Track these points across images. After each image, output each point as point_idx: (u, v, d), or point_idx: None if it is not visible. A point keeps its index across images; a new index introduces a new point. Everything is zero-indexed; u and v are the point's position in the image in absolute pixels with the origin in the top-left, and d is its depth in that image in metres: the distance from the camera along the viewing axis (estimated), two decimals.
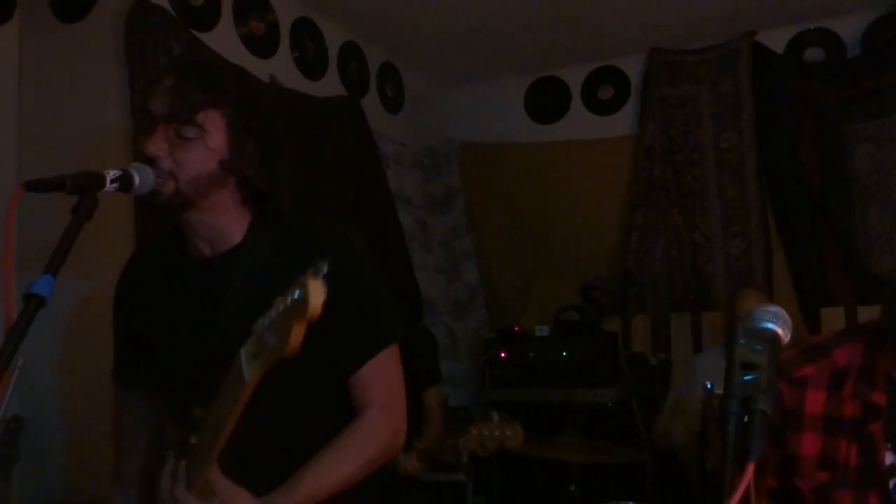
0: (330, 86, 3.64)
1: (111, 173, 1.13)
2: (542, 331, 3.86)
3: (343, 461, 1.26)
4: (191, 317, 1.31)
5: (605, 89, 4.34)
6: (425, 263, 4.21)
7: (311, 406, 1.33)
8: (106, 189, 1.12)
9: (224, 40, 3.00)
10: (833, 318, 3.67)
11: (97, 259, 2.03)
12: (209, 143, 1.23)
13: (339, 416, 1.31)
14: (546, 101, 4.47)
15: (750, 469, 0.70)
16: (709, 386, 2.17)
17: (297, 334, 0.94)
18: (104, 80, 2.61)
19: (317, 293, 0.91)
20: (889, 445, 1.33)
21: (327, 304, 1.18)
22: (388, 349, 1.33)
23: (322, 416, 1.33)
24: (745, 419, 0.76)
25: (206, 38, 2.88)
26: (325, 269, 0.94)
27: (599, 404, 3.57)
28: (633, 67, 4.25)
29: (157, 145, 1.21)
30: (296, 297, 0.92)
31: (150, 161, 1.20)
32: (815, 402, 1.35)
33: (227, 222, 1.30)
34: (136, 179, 1.16)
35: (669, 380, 3.79)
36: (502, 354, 3.83)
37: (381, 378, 1.33)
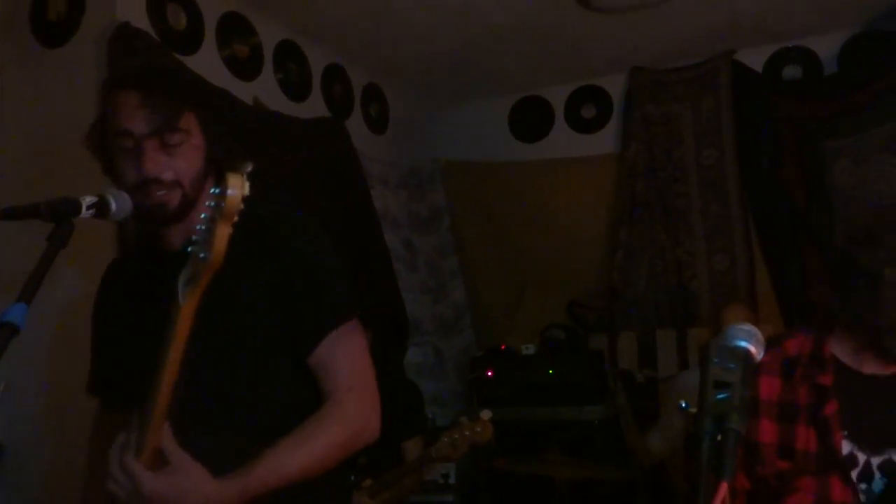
0: (314, 107, 3.65)
1: (87, 199, 1.13)
2: (529, 349, 3.86)
3: (304, 443, 1.22)
4: (155, 314, 1.28)
5: (587, 108, 4.39)
6: (411, 283, 4.21)
7: (272, 395, 1.30)
8: (82, 215, 1.12)
9: (207, 63, 3.01)
10: None
11: (78, 283, 2.01)
12: (193, 142, 1.27)
13: (304, 408, 1.27)
14: (530, 120, 4.51)
15: (723, 489, 0.70)
16: (683, 405, 2.18)
17: (223, 235, 0.96)
18: (87, 104, 2.61)
19: (235, 184, 0.94)
20: (845, 433, 1.36)
21: (282, 284, 1.28)
22: (347, 326, 1.31)
23: (284, 406, 1.29)
24: (719, 438, 0.76)
25: (189, 61, 2.89)
26: (248, 168, 0.96)
27: (586, 422, 3.56)
28: (615, 86, 4.29)
29: (154, 162, 1.23)
30: (215, 192, 0.95)
31: (155, 180, 1.23)
32: (769, 388, 1.40)
33: (197, 213, 1.29)
34: (113, 206, 1.16)
35: (657, 396, 3.79)
36: (489, 373, 3.82)
37: (344, 358, 1.29)
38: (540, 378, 3.71)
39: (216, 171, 1.32)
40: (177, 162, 1.25)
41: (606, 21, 3.63)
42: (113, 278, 1.47)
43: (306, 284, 1.30)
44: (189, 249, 1.00)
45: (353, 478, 2.57)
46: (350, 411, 1.27)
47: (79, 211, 1.11)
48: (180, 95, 1.27)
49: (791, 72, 3.95)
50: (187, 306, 1.02)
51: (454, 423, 2.54)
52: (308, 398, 1.29)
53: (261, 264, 1.28)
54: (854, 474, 1.35)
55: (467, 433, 2.46)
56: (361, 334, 1.35)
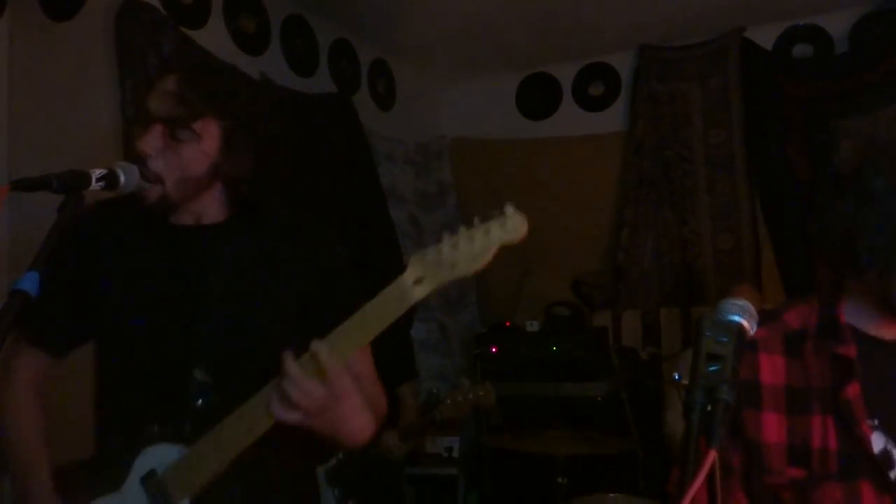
0: (321, 83, 3.65)
1: (97, 172, 1.15)
2: (533, 326, 3.89)
3: (371, 401, 1.29)
4: (175, 283, 1.32)
5: (595, 86, 4.37)
6: None
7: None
8: (91, 188, 1.14)
9: (214, 38, 3.01)
10: None
11: None
12: (202, 147, 1.26)
13: None
14: (537, 97, 4.49)
15: (711, 456, 0.72)
16: (676, 377, 2.21)
17: (490, 255, 1.09)
18: (94, 78, 2.62)
19: (523, 224, 1.09)
20: (873, 422, 1.07)
21: (312, 291, 1.33)
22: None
23: None
24: (709, 408, 0.78)
25: (196, 35, 2.89)
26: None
27: (589, 398, 3.60)
28: (623, 64, 4.27)
29: (150, 144, 1.23)
30: (507, 227, 1.08)
31: (141, 157, 1.23)
32: (772, 369, 1.12)
33: (207, 206, 1.34)
34: (122, 178, 1.18)
35: (660, 374, 3.82)
36: (493, 349, 3.85)
37: (365, 359, 1.36)
38: (544, 354, 3.74)
39: (227, 190, 1.33)
40: (172, 155, 1.24)
41: None
42: (101, 227, 1.39)
43: (333, 299, 1.34)
44: (427, 257, 1.09)
45: None
46: (383, 395, 1.38)
47: (88, 183, 1.13)
48: (211, 99, 1.26)
49: (801, 50, 3.91)
50: (419, 299, 1.10)
51: (456, 385, 2.61)
52: None
53: (290, 268, 1.34)
54: (893, 475, 1.07)
55: (470, 396, 2.55)
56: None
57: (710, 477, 0.74)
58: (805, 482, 1.08)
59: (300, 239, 1.38)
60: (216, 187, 1.32)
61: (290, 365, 1.11)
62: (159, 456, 1.25)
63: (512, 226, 1.08)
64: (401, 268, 4.01)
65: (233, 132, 1.28)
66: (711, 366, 0.82)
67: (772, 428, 1.10)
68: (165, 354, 1.29)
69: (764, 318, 1.09)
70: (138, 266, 1.34)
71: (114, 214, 1.39)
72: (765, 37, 3.94)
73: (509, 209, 1.08)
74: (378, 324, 1.11)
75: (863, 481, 1.05)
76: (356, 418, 1.20)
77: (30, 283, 0.98)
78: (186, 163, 1.25)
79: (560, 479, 2.82)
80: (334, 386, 1.12)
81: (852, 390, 1.06)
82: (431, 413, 2.62)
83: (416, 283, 1.09)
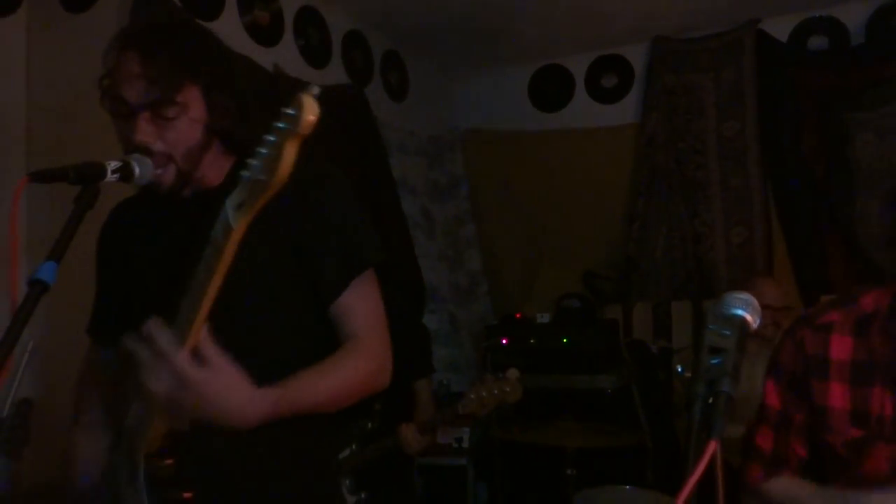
0: (334, 74, 3.66)
1: (112, 164, 1.17)
2: (544, 318, 3.90)
3: (333, 370, 1.26)
4: (165, 257, 1.34)
5: (608, 77, 4.36)
6: (429, 251, 4.25)
7: (292, 344, 1.33)
8: (107, 179, 1.16)
9: (228, 29, 3.02)
10: None
11: None
12: (191, 115, 1.26)
13: (321, 356, 1.29)
14: (550, 89, 4.49)
15: (711, 447, 0.73)
16: (679, 370, 2.19)
17: (290, 154, 0.92)
18: None
19: (310, 107, 0.90)
20: None
21: (306, 234, 1.25)
22: (367, 275, 1.34)
23: (303, 355, 1.29)
24: (710, 401, 0.79)
25: (210, 27, 2.90)
26: (316, 91, 0.92)
27: (599, 391, 3.60)
28: (636, 56, 4.26)
29: (144, 133, 1.23)
30: (290, 113, 0.90)
31: (144, 149, 1.23)
32: (841, 347, 1.29)
33: (207, 170, 1.33)
34: (137, 170, 1.20)
35: (671, 367, 3.82)
36: (504, 341, 3.86)
37: (365, 302, 1.33)
38: (554, 346, 3.75)
39: (224, 142, 1.33)
40: (168, 134, 1.24)
41: None
42: (118, 221, 1.48)
43: (329, 235, 1.31)
44: (242, 173, 0.98)
45: (370, 425, 2.64)
46: (374, 346, 1.32)
47: (104, 175, 1.15)
48: (182, 67, 1.24)
49: (817, 42, 3.88)
50: (238, 230, 1.00)
51: (480, 379, 2.53)
52: (322, 353, 1.29)
53: (286, 222, 1.28)
54: None
55: (496, 391, 2.43)
56: (375, 280, 1.37)
57: (711, 468, 0.75)
58: (861, 441, 1.25)
59: (294, 179, 1.34)
60: (215, 145, 1.32)
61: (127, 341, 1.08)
62: (130, 414, 1.28)
63: (298, 111, 0.90)
64: (413, 259, 3.99)
65: (211, 87, 1.27)
66: (713, 359, 0.83)
67: (836, 395, 1.28)
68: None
69: (841, 301, 1.29)
70: (153, 252, 1.38)
71: (130, 211, 1.45)
72: (780, 28, 3.92)
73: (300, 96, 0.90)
74: (215, 263, 1.02)
75: None
76: (223, 400, 1.09)
77: (48, 272, 1.00)
78: (183, 136, 1.25)
79: (569, 471, 2.83)
80: (170, 366, 1.04)
81: None
82: (454, 407, 2.51)
83: (237, 208, 0.99)
